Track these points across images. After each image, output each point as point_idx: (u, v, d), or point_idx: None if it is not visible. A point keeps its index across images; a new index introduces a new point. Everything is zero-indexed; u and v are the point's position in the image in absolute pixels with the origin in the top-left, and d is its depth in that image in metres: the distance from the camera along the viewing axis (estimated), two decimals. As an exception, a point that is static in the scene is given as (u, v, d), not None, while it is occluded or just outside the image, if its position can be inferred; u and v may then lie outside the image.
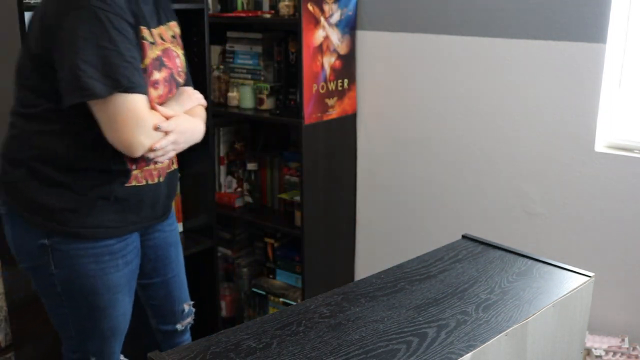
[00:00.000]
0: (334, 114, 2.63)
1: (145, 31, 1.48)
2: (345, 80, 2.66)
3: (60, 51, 1.38)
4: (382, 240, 2.81)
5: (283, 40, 2.72)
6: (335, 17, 2.55)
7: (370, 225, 2.83)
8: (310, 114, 2.51)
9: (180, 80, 1.63)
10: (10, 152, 1.53)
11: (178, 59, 1.61)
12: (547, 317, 1.43)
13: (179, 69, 1.62)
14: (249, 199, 2.90)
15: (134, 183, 1.54)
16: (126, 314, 1.65)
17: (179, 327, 1.86)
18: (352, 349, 1.23)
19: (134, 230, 1.60)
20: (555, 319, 1.46)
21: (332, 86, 2.59)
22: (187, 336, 1.92)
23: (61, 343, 1.69)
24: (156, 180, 1.59)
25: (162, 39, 1.55)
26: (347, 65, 2.66)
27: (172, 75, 1.57)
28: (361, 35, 2.67)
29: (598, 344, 2.10)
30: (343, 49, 2.62)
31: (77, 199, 1.48)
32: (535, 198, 2.34)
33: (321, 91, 2.54)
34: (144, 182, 1.56)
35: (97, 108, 1.38)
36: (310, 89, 2.49)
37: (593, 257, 2.22)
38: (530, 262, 1.65)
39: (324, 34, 2.51)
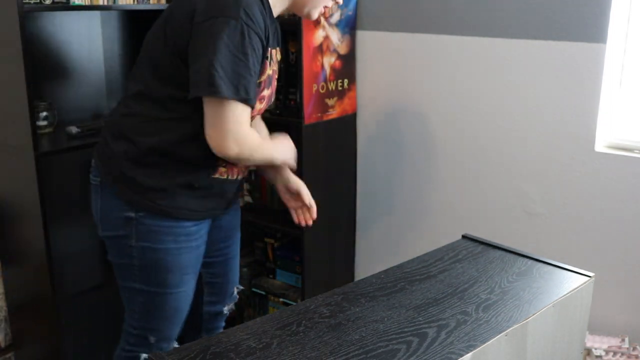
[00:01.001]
0: (334, 114, 2.63)
1: (270, 51, 1.62)
2: (345, 80, 2.66)
3: (199, 48, 1.49)
4: (382, 240, 2.81)
5: (283, 40, 2.72)
6: (335, 17, 2.55)
7: (370, 225, 2.83)
8: (310, 114, 2.51)
9: (272, 100, 1.79)
10: (117, 127, 1.64)
11: (275, 82, 1.75)
12: (547, 317, 1.43)
13: (274, 91, 1.77)
14: (249, 199, 2.90)
15: (217, 176, 1.67)
16: (189, 297, 1.75)
17: (225, 309, 1.99)
18: (352, 349, 1.23)
19: (210, 216, 1.75)
20: (555, 319, 1.46)
21: (332, 86, 2.59)
22: (223, 324, 2.03)
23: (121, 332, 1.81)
24: (235, 177, 1.73)
25: (273, 60, 1.68)
26: (347, 65, 2.66)
27: (271, 95, 1.73)
28: (361, 35, 2.67)
29: (598, 344, 2.10)
30: (343, 49, 2.62)
31: (167, 180, 1.61)
32: (535, 198, 2.34)
33: (321, 91, 2.54)
34: (225, 177, 1.69)
35: (211, 105, 1.50)
36: (310, 89, 2.49)
37: (593, 257, 2.22)
38: (530, 262, 1.65)
39: (324, 34, 2.51)
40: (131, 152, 1.60)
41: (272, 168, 1.83)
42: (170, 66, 1.56)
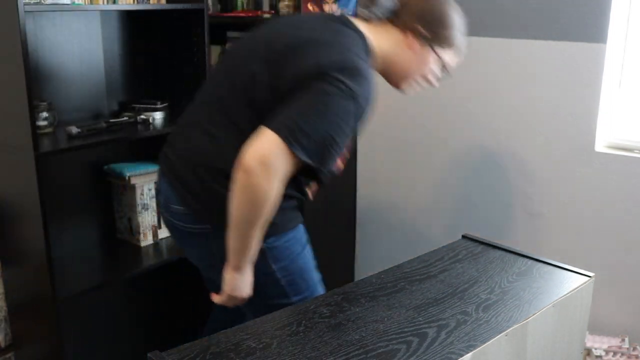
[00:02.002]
0: (334, 114, 2.62)
1: None
2: (345, 80, 2.65)
3: (301, 95, 1.45)
4: (382, 240, 2.81)
5: (283, 40, 2.71)
6: (335, 17, 2.54)
7: (370, 225, 2.83)
8: (310, 114, 2.50)
9: None
10: (212, 164, 1.55)
11: None
12: (547, 317, 1.42)
13: None
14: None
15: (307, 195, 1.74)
16: None
17: None
18: (352, 349, 1.23)
19: None
20: (555, 319, 1.46)
21: (332, 86, 2.58)
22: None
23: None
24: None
25: None
26: (347, 65, 2.65)
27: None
28: (361, 35, 2.67)
29: (598, 344, 2.10)
30: (343, 49, 2.61)
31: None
32: (535, 198, 2.34)
33: (321, 91, 2.54)
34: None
35: (278, 144, 1.42)
36: (310, 89, 2.48)
37: (593, 257, 2.22)
38: (530, 262, 1.65)
39: (324, 34, 2.50)
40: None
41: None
42: (268, 101, 1.50)
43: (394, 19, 1.64)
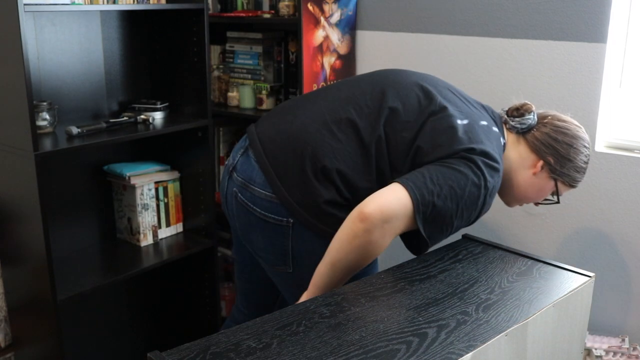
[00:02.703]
0: (334, 114, 2.62)
1: None
2: (345, 80, 2.66)
3: (440, 167, 1.48)
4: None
5: (283, 40, 2.72)
6: (335, 17, 2.55)
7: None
8: (310, 114, 2.51)
9: None
10: (328, 165, 1.54)
11: None
12: (547, 317, 1.43)
13: None
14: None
15: None
16: None
17: None
18: (352, 349, 1.23)
19: None
20: (555, 319, 1.46)
21: (332, 86, 2.59)
22: None
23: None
24: None
25: None
26: (347, 65, 2.66)
27: None
28: (361, 35, 2.67)
29: (598, 344, 2.10)
30: (343, 49, 2.62)
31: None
32: (535, 198, 2.34)
33: (321, 91, 2.54)
34: None
35: (406, 205, 1.44)
36: (310, 89, 2.49)
37: (593, 257, 2.22)
38: (530, 262, 1.65)
39: (324, 34, 2.51)
40: (336, 199, 1.54)
41: None
42: (406, 141, 1.53)
43: (528, 134, 1.66)
